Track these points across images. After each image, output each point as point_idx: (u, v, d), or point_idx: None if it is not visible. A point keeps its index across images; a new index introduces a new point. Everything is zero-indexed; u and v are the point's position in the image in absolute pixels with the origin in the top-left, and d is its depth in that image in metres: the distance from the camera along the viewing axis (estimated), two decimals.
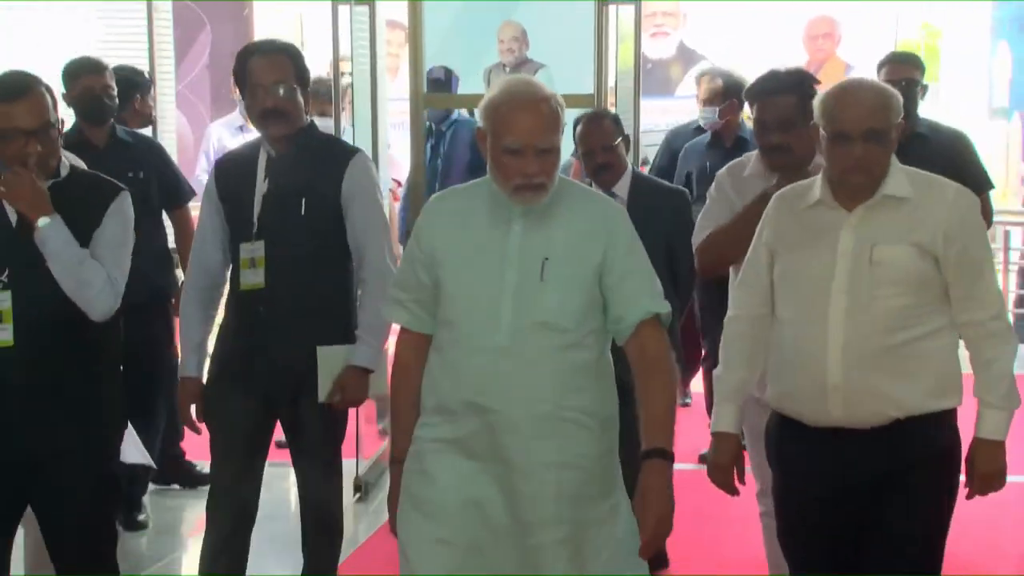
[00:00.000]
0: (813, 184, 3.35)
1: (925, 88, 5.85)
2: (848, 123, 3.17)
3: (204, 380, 4.26)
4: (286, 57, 4.13)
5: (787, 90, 4.06)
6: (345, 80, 7.05)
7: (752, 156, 4.25)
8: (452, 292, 3.16)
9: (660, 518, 3.01)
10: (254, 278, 4.05)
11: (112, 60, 6.55)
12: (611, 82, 6.99)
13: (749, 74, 7.51)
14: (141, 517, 5.92)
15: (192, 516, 6.11)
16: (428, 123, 7.87)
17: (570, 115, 8.45)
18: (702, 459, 6.75)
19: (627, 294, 3.14)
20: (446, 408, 3.17)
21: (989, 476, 3.30)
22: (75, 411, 3.66)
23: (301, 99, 4.13)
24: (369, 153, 6.98)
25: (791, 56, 10.98)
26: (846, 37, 11.42)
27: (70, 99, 5.70)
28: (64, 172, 3.67)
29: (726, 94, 6.86)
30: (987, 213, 5.57)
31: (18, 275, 3.60)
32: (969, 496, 3.36)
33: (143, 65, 7.51)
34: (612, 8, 6.83)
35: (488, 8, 7.83)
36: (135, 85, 6.52)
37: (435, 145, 7.96)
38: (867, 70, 8.62)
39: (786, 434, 3.42)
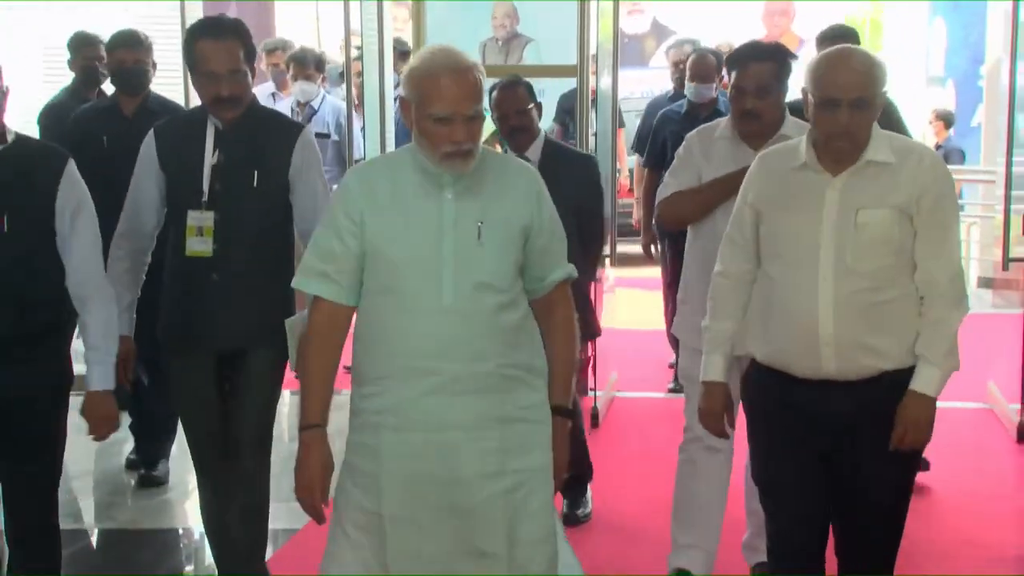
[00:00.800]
0: (797, 147, 3.25)
1: None
2: (837, 90, 3.07)
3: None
4: (235, 40, 3.84)
5: (767, 57, 4.03)
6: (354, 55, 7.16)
7: (723, 121, 4.18)
8: (392, 261, 2.99)
9: (559, 467, 3.11)
10: (200, 246, 3.86)
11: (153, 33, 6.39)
12: (592, 54, 6.99)
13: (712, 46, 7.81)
14: (156, 472, 5.67)
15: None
16: (293, 104, 7.82)
17: (556, 85, 8.65)
18: (671, 390, 7.09)
19: (552, 255, 3.10)
20: (385, 375, 3.01)
21: (913, 426, 3.17)
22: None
23: (250, 77, 3.91)
24: (377, 119, 7.26)
25: (751, 31, 11.16)
26: (799, 14, 11.57)
27: (108, 70, 5.72)
28: (10, 138, 3.43)
29: (719, 69, 6.79)
30: None
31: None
32: (891, 446, 3.20)
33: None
34: None
35: None
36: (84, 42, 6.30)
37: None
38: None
39: (770, 384, 3.32)
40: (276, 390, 4.11)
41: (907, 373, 3.17)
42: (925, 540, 3.25)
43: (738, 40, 8.81)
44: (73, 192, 3.47)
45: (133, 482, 5.76)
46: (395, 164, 3.09)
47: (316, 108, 7.58)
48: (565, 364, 3.14)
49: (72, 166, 3.49)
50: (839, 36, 5.28)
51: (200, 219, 3.85)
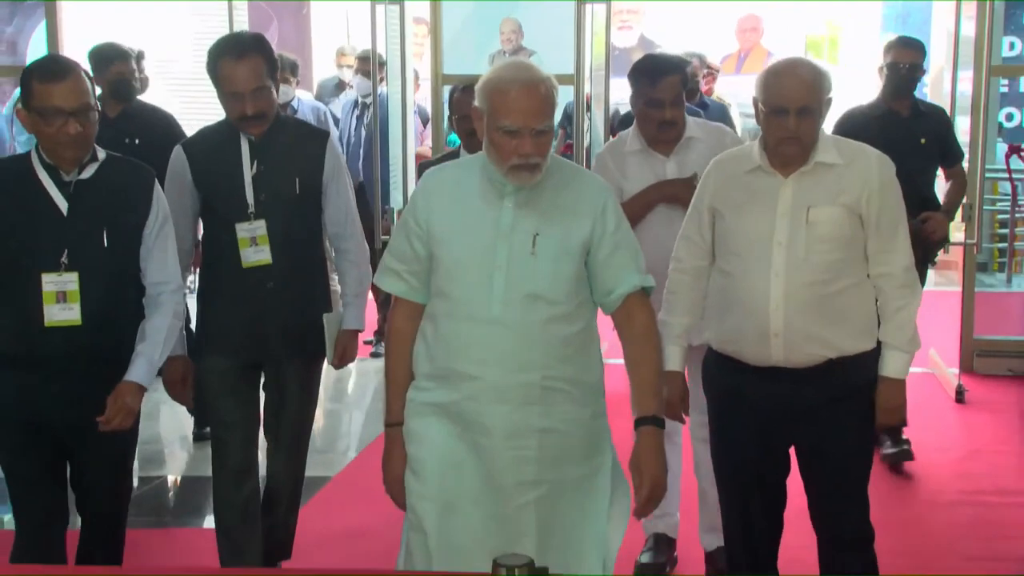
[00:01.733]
0: (750, 152, 3.16)
1: (924, 71, 5.52)
2: (785, 99, 3.00)
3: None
4: (257, 56, 3.54)
5: (675, 70, 3.92)
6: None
7: (629, 133, 4.00)
8: (447, 265, 2.82)
9: (655, 482, 2.78)
10: (258, 256, 3.61)
11: (202, 51, 6.85)
12: (587, 65, 7.13)
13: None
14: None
15: None
16: (357, 97, 7.98)
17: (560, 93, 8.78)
18: None
19: (616, 268, 2.82)
20: (438, 375, 2.85)
21: (892, 410, 3.15)
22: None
23: (274, 90, 3.64)
24: (399, 118, 7.47)
25: (726, 44, 11.33)
26: (768, 30, 11.65)
27: (101, 81, 5.46)
28: (101, 156, 3.22)
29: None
30: (963, 176, 5.59)
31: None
32: (876, 428, 3.22)
33: None
34: (588, 7, 7.19)
35: (492, 7, 7.95)
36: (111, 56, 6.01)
37: (360, 115, 7.96)
38: (785, 55, 9.07)
39: (725, 370, 3.25)
40: (316, 390, 3.98)
41: (851, 360, 3.12)
42: (874, 485, 3.23)
43: (714, 53, 9.18)
44: (161, 206, 3.30)
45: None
46: (465, 170, 2.93)
47: (296, 108, 7.31)
48: (648, 373, 2.84)
49: (157, 182, 3.33)
50: (905, 47, 5.23)
51: (251, 230, 3.63)
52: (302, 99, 7.57)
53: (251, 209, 3.63)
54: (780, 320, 3.06)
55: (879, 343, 3.18)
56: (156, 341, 3.26)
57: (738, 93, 8.70)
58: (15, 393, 3.19)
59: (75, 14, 7.58)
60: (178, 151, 3.72)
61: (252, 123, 3.59)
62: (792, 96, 3.01)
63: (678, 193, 3.81)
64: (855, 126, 4.87)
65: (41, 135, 3.12)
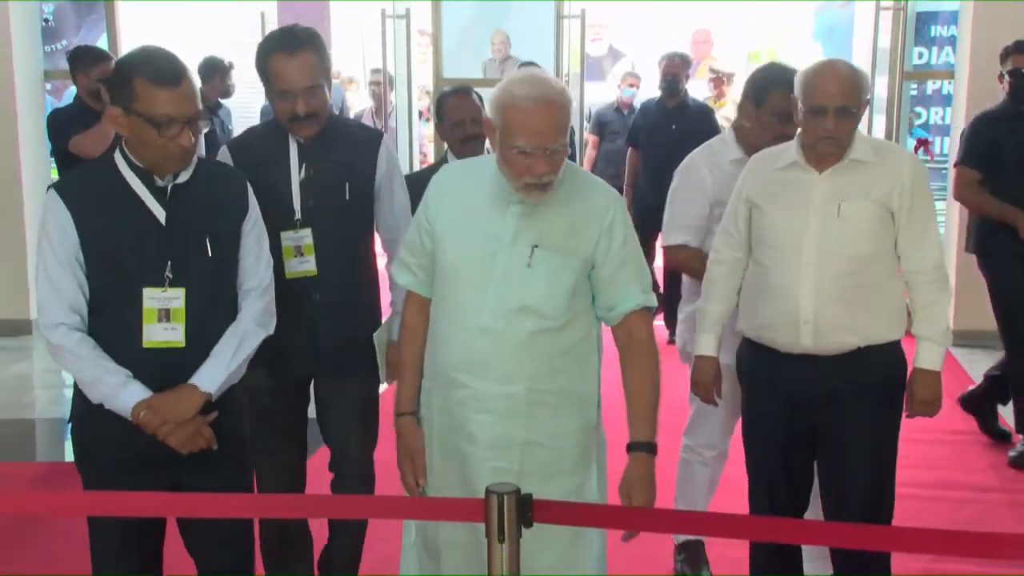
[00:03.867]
0: (787, 148, 2.86)
1: None
2: (824, 99, 2.70)
3: None
4: (311, 52, 2.81)
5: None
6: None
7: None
8: (445, 268, 2.42)
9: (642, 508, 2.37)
10: (302, 266, 2.88)
11: (237, 54, 6.60)
12: (564, 71, 7.26)
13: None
14: None
15: None
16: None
17: None
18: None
19: (620, 285, 2.39)
20: (435, 376, 2.46)
21: (927, 402, 2.83)
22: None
23: (328, 91, 2.91)
24: (406, 121, 7.48)
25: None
26: (717, 42, 11.70)
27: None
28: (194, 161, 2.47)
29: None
30: None
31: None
32: (909, 417, 2.88)
33: None
34: (565, 22, 7.32)
35: (485, 20, 7.94)
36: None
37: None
38: (733, 66, 9.13)
39: (758, 357, 2.91)
40: (375, 410, 3.09)
41: (878, 349, 2.81)
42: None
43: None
44: (256, 210, 2.56)
45: None
46: (480, 171, 2.46)
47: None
48: (643, 394, 2.41)
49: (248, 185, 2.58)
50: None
51: (296, 239, 2.88)
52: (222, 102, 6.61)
53: (297, 216, 2.89)
54: (810, 308, 2.76)
55: (907, 334, 2.87)
56: (227, 345, 2.43)
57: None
58: (114, 428, 2.36)
59: (132, 25, 7.55)
60: (224, 152, 3.01)
61: (304, 124, 2.84)
62: (830, 96, 2.71)
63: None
64: (985, 127, 4.62)
65: (145, 143, 2.34)
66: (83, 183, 2.43)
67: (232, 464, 2.46)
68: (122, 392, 2.30)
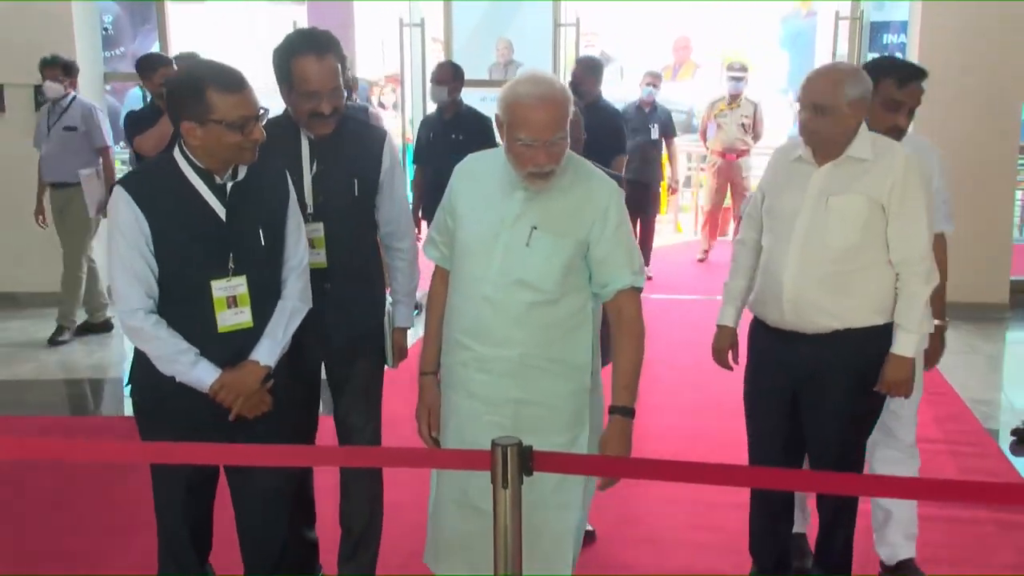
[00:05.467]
0: (800, 143, 2.75)
1: None
2: (804, 95, 2.63)
3: None
4: (335, 57, 2.66)
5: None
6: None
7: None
8: (459, 243, 2.43)
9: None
10: (314, 258, 2.66)
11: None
12: (561, 75, 7.12)
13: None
14: None
15: None
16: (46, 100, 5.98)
17: None
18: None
19: (611, 266, 2.36)
20: (448, 339, 2.48)
21: (895, 383, 2.70)
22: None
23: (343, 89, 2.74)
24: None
25: (664, 58, 11.27)
26: (696, 48, 11.59)
27: (150, 86, 5.05)
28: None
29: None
30: None
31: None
32: (879, 392, 2.73)
33: None
34: (562, 29, 7.26)
35: (490, 28, 7.97)
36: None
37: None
38: (710, 69, 9.06)
39: (759, 331, 2.85)
40: (380, 392, 2.95)
41: (858, 332, 2.68)
42: None
43: (655, 64, 9.07)
44: (293, 196, 2.48)
45: None
46: (495, 159, 2.43)
47: (66, 106, 5.86)
48: (625, 365, 2.38)
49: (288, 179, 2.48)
50: None
51: (308, 232, 2.65)
52: (78, 98, 5.98)
53: (310, 211, 2.70)
54: (792, 289, 2.69)
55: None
56: (278, 322, 2.42)
57: (673, 97, 8.74)
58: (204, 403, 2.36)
59: (181, 32, 7.52)
60: None
61: (327, 122, 2.67)
62: (810, 92, 2.61)
63: None
64: None
65: (224, 145, 2.28)
66: (148, 180, 2.37)
67: (274, 421, 2.45)
68: (193, 370, 2.32)
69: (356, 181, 2.75)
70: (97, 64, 7.10)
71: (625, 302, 2.39)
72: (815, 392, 2.74)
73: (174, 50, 6.90)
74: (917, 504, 3.11)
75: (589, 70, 6.22)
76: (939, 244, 2.90)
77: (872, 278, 2.67)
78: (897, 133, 2.83)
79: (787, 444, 2.84)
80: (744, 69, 8.05)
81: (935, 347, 3.06)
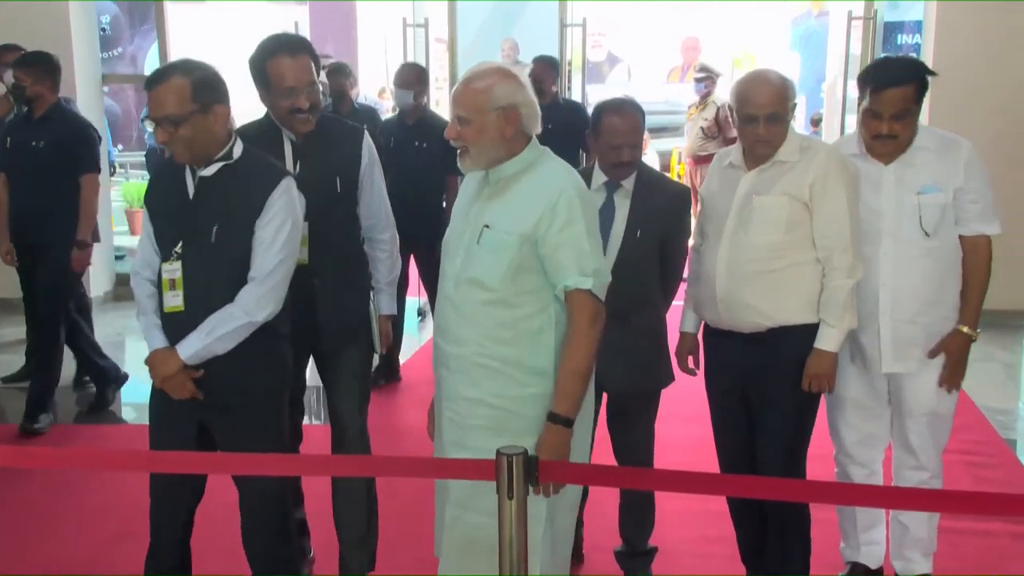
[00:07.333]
0: (734, 149, 2.84)
1: None
2: (755, 107, 2.67)
3: None
4: (308, 55, 2.78)
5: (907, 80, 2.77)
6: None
7: (852, 139, 2.93)
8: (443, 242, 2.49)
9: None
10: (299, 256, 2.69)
11: None
12: (565, 77, 7.19)
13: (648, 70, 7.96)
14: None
15: None
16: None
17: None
18: None
19: (556, 265, 2.29)
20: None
21: (817, 376, 2.73)
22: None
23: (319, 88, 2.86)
24: None
25: (673, 59, 11.40)
26: (704, 48, 11.58)
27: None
28: (236, 155, 2.53)
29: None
30: None
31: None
32: (802, 387, 2.75)
33: None
34: (568, 30, 7.26)
35: (495, 28, 8.07)
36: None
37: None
38: (720, 70, 9.04)
39: (706, 332, 2.93)
40: (369, 376, 3.11)
41: (791, 330, 2.73)
42: None
43: (663, 65, 9.11)
44: (273, 211, 2.49)
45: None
46: None
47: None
48: (564, 372, 2.29)
49: (287, 183, 2.54)
50: None
51: None
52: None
53: None
54: (723, 289, 2.76)
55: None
56: (210, 322, 2.47)
57: (680, 98, 8.74)
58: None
59: (179, 33, 7.54)
60: None
61: (306, 118, 2.76)
62: (760, 105, 2.66)
63: None
64: None
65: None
66: (162, 158, 2.72)
67: (250, 412, 2.53)
68: (146, 337, 2.57)
69: (338, 179, 2.85)
70: (95, 65, 7.11)
71: (575, 305, 2.30)
72: (758, 389, 2.80)
73: (174, 51, 6.92)
74: (938, 521, 3.07)
75: (550, 68, 6.19)
76: (982, 247, 2.86)
77: (801, 276, 2.73)
78: (883, 139, 2.78)
79: (747, 442, 2.87)
80: (706, 71, 8.17)
81: (958, 359, 2.87)
